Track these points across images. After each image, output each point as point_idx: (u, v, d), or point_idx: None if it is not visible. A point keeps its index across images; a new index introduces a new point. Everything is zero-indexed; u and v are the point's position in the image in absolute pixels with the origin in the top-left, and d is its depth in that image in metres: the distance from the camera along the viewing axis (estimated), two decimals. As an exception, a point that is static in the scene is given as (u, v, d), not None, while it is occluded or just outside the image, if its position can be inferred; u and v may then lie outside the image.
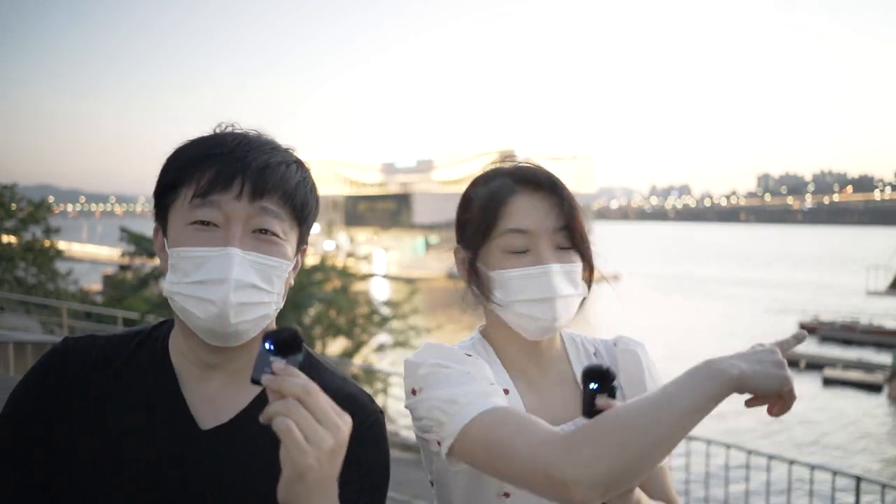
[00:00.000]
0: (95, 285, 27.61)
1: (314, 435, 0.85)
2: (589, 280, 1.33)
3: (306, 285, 16.52)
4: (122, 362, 1.18)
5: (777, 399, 1.08)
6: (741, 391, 1.04)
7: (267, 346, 0.91)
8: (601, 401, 1.10)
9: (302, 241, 1.18)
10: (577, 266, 1.28)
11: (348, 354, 16.58)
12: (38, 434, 1.13)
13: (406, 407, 1.25)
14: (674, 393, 1.02)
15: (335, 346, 17.51)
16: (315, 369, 1.19)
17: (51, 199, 21.25)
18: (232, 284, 1.04)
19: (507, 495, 1.26)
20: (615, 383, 1.12)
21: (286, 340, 0.91)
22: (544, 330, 1.28)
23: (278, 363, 0.89)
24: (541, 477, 1.03)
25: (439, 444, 1.17)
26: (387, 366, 16.54)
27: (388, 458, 1.18)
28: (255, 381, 0.89)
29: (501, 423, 1.10)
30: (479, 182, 1.34)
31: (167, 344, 1.19)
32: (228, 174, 1.07)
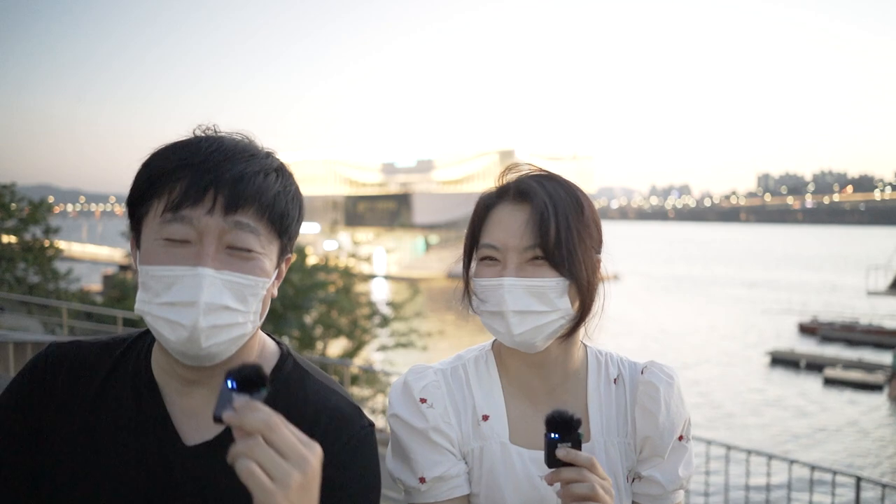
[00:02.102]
0: (95, 285, 27.61)
1: (279, 472, 0.81)
2: (580, 298, 1.24)
3: (308, 287, 16.50)
4: (106, 371, 1.16)
5: None
6: None
7: (229, 383, 0.87)
8: (561, 451, 1.06)
9: (284, 252, 1.12)
10: (547, 281, 1.21)
11: (349, 355, 16.58)
12: (24, 439, 1.12)
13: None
14: None
15: (336, 347, 17.50)
16: (301, 381, 1.16)
17: (51, 198, 21.23)
18: (201, 308, 0.99)
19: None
20: (580, 431, 1.08)
21: (248, 377, 0.87)
22: (513, 343, 1.24)
23: (240, 400, 0.85)
24: None
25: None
26: (387, 366, 16.53)
27: (379, 475, 1.14)
28: (217, 419, 0.85)
29: None
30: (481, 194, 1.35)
31: (150, 357, 1.16)
32: (200, 187, 1.01)
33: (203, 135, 1.09)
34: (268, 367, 1.16)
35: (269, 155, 1.10)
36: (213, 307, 1.00)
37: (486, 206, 1.29)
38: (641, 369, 1.34)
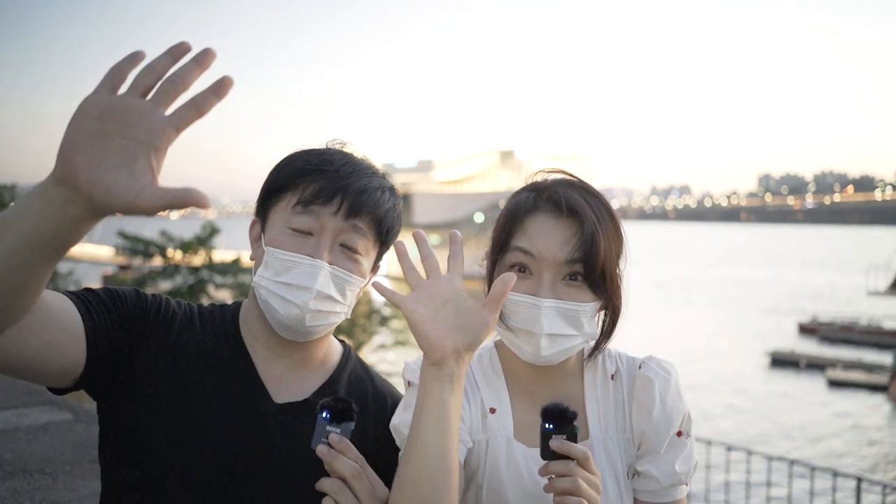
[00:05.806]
0: (95, 285, 27.49)
1: None
2: (607, 320, 1.26)
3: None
4: (199, 330, 1.28)
5: None
6: None
7: (324, 415, 1.05)
8: (555, 443, 1.07)
9: (378, 259, 1.31)
10: (583, 306, 1.19)
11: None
12: (134, 340, 1.20)
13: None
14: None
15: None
16: (367, 370, 1.40)
17: (51, 199, 21.13)
18: (314, 294, 1.17)
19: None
20: (576, 424, 1.09)
21: (341, 411, 1.06)
22: (531, 360, 1.23)
23: (334, 434, 1.05)
24: None
25: None
26: (387, 366, 16.52)
27: None
28: (313, 449, 1.04)
29: None
30: (514, 193, 1.31)
31: (237, 323, 1.31)
32: (331, 191, 1.20)
33: (335, 147, 1.30)
34: (336, 355, 1.37)
35: (385, 175, 1.30)
36: (321, 295, 1.19)
37: (522, 210, 1.24)
38: (639, 364, 1.33)
